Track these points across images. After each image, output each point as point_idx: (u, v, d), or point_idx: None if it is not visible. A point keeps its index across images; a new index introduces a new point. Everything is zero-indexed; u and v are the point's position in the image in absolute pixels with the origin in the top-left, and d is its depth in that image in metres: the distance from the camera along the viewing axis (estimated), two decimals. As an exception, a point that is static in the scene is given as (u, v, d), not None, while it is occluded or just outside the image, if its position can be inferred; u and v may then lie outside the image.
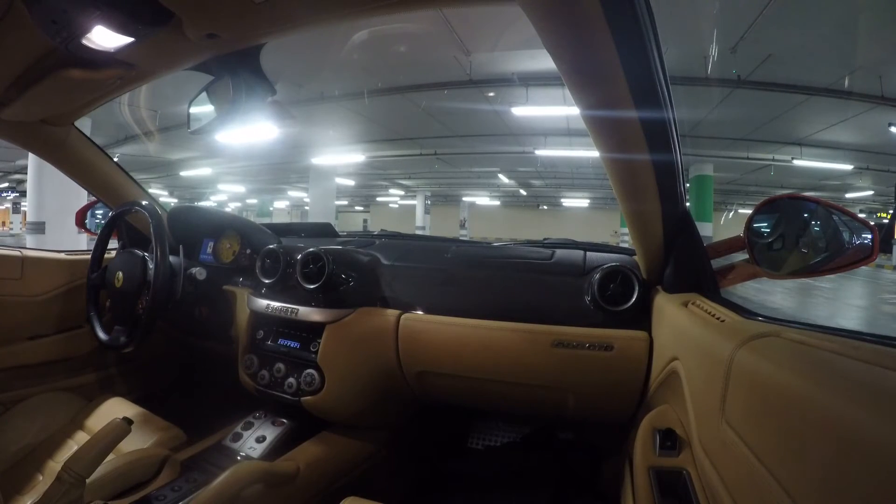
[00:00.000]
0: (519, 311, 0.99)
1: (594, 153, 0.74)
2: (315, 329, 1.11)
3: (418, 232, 15.42)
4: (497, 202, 20.92)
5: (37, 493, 0.95)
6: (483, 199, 20.03)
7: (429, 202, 17.63)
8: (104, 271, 1.27)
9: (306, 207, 17.88)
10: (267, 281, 1.18)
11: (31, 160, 5.33)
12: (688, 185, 8.74)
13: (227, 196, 20.61)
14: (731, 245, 0.85)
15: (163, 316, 1.21)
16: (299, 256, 1.14)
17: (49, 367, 1.32)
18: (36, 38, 0.69)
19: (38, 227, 5.39)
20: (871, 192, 12.35)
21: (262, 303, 1.17)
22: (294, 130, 7.44)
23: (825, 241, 0.76)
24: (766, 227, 0.82)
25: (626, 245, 1.50)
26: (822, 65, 4.31)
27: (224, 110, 0.80)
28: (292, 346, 1.15)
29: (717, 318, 0.60)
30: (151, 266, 1.16)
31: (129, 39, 0.63)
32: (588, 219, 20.72)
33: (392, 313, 1.08)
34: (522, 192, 17.41)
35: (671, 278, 0.85)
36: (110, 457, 0.82)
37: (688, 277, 0.83)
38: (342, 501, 0.77)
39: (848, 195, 13.03)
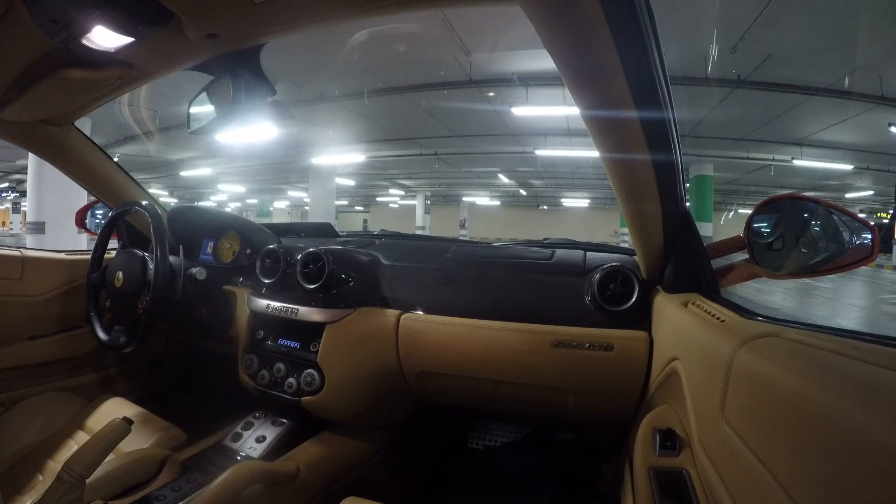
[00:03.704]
0: (519, 311, 0.99)
1: (594, 153, 0.74)
2: (315, 329, 1.11)
3: (418, 232, 15.42)
4: (497, 202, 20.92)
5: (37, 493, 0.95)
6: (483, 199, 20.02)
7: (429, 202, 17.63)
8: (104, 271, 1.27)
9: (306, 207, 17.89)
10: (267, 281, 1.18)
11: (31, 160, 5.32)
12: (688, 185, 8.74)
13: (227, 196, 20.61)
14: (731, 245, 0.85)
15: (163, 316, 1.21)
16: (299, 256, 1.14)
17: (49, 367, 1.32)
18: (36, 38, 0.68)
19: (38, 227, 5.39)
20: (871, 192, 12.35)
21: (262, 303, 1.17)
22: (294, 130, 7.44)
23: (825, 241, 0.76)
24: (766, 227, 0.82)
25: (626, 245, 1.50)
26: (822, 65, 4.31)
27: (224, 110, 0.80)
28: (292, 346, 1.15)
29: (717, 318, 0.60)
30: (151, 266, 1.16)
31: (129, 39, 0.63)
32: (588, 219, 20.71)
33: (392, 313, 1.08)
34: (522, 192, 17.41)
35: (671, 278, 0.85)
36: (110, 457, 0.82)
37: (688, 277, 0.83)
38: (342, 501, 0.77)
39: (848, 195, 13.03)
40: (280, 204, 24.27)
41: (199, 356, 1.66)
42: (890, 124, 5.55)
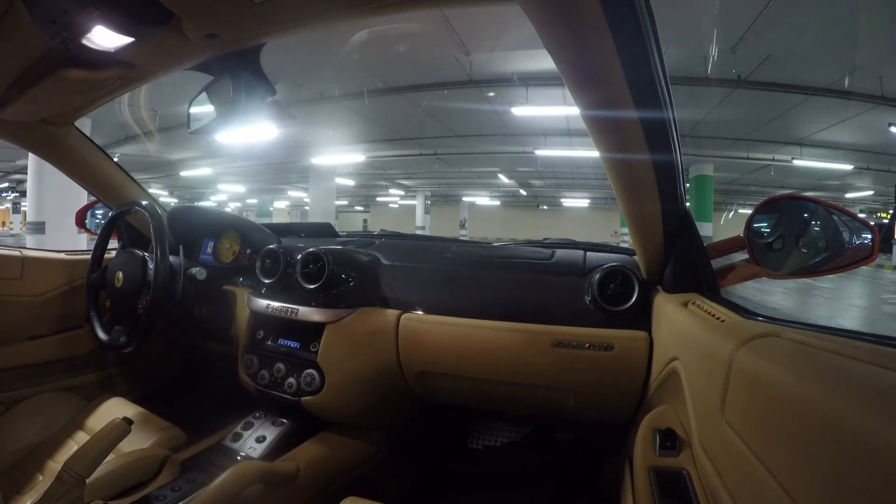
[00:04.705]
0: (519, 311, 0.99)
1: (594, 153, 0.74)
2: (315, 329, 1.11)
3: (418, 232, 15.42)
4: (497, 202, 20.91)
5: (37, 493, 0.95)
6: (483, 199, 20.02)
7: (429, 202, 17.63)
8: (104, 271, 1.27)
9: (306, 207, 17.89)
10: (267, 281, 1.18)
11: (31, 160, 5.32)
12: (688, 185, 8.75)
13: (227, 196, 20.61)
14: (731, 245, 0.85)
15: (163, 316, 1.21)
16: (299, 256, 1.14)
17: (49, 367, 1.32)
18: (36, 38, 0.68)
19: (38, 227, 5.39)
20: (871, 192, 12.35)
21: (262, 303, 1.17)
22: (294, 130, 7.44)
23: (825, 241, 0.77)
24: (766, 227, 0.82)
25: (626, 245, 1.50)
26: (822, 65, 4.31)
27: (224, 110, 0.80)
28: (292, 345, 1.15)
29: (717, 318, 0.60)
30: (151, 266, 1.16)
31: (129, 39, 0.63)
32: (588, 219, 20.70)
33: (392, 313, 1.08)
34: (522, 192, 17.41)
35: (671, 278, 0.85)
36: (110, 457, 0.82)
37: (688, 277, 0.83)
38: (342, 501, 0.77)
39: (848, 195, 13.03)
40: (280, 204, 24.27)
41: (199, 356, 1.65)
42: (890, 124, 5.55)
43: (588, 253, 1.13)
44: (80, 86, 0.82)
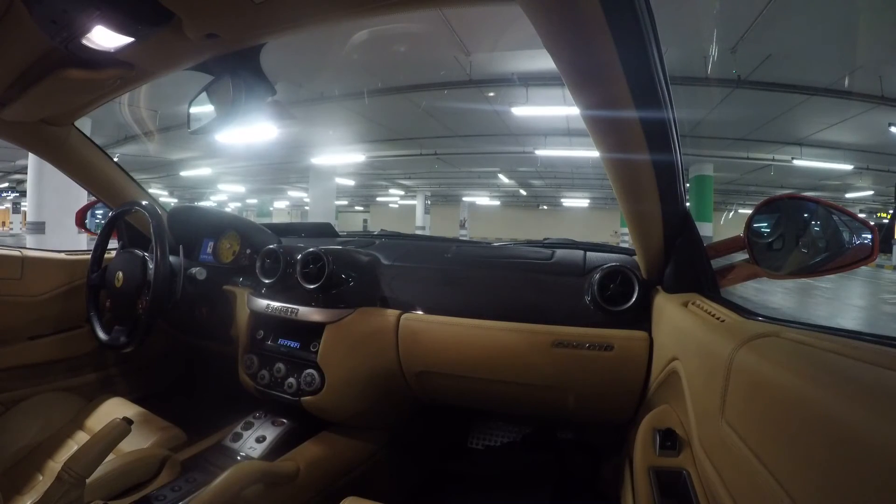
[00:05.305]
0: (519, 311, 0.99)
1: (594, 153, 0.74)
2: (315, 329, 1.11)
3: (418, 232, 15.43)
4: (497, 202, 20.92)
5: (37, 493, 0.95)
6: (483, 199, 20.03)
7: (429, 202, 17.64)
8: (104, 271, 1.27)
9: (306, 207, 17.90)
10: (267, 281, 1.18)
11: (31, 160, 5.33)
12: (688, 185, 8.76)
13: (227, 196, 20.61)
14: (731, 245, 0.85)
15: (163, 316, 1.21)
16: (299, 256, 1.14)
17: (49, 367, 1.32)
18: (36, 38, 0.69)
19: (38, 227, 5.39)
20: (871, 192, 12.36)
21: (262, 303, 1.17)
22: (294, 130, 7.44)
23: (825, 241, 0.77)
24: (766, 227, 0.82)
25: (626, 245, 1.50)
26: (822, 65, 4.32)
27: (224, 110, 0.80)
28: (292, 345, 1.15)
29: (717, 318, 0.60)
30: (151, 266, 1.16)
31: (129, 39, 0.63)
32: (588, 219, 20.72)
33: (392, 313, 1.08)
34: (522, 192, 17.42)
35: (671, 278, 0.85)
36: (110, 457, 0.82)
37: (688, 277, 0.83)
38: (342, 501, 0.77)
39: (848, 195, 13.03)
40: (280, 204, 24.28)
41: (199, 356, 1.66)
42: (890, 124, 5.55)
43: (588, 253, 1.13)
44: (80, 86, 0.82)
